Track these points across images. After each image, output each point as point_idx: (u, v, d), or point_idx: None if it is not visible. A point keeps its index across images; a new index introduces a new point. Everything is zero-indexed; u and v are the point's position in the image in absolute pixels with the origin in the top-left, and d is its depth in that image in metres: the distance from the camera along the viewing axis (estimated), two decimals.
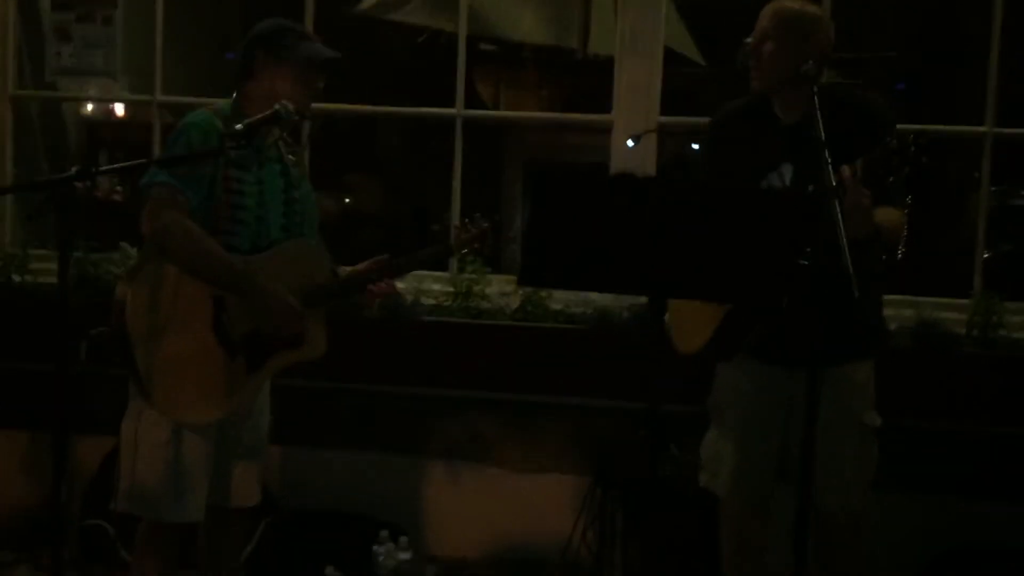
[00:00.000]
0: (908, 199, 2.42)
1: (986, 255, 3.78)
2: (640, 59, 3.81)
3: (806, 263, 1.78)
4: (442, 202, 4.07)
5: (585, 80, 5.10)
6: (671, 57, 5.20)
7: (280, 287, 2.48)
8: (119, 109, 5.55)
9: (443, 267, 3.85)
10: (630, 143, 3.47)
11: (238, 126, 2.29)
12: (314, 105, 3.87)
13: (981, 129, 3.73)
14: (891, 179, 2.15)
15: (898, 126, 3.49)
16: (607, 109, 3.88)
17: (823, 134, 2.17)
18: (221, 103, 2.58)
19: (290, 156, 2.64)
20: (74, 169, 2.03)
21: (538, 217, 1.72)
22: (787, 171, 2.56)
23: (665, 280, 1.75)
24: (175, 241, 2.38)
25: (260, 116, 2.36)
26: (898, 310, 3.56)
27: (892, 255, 2.47)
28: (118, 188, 5.61)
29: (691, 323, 2.58)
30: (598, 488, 3.35)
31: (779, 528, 2.55)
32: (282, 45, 2.52)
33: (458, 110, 3.92)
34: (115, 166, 2.27)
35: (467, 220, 2.84)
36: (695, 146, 2.65)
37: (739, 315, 2.42)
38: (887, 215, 2.39)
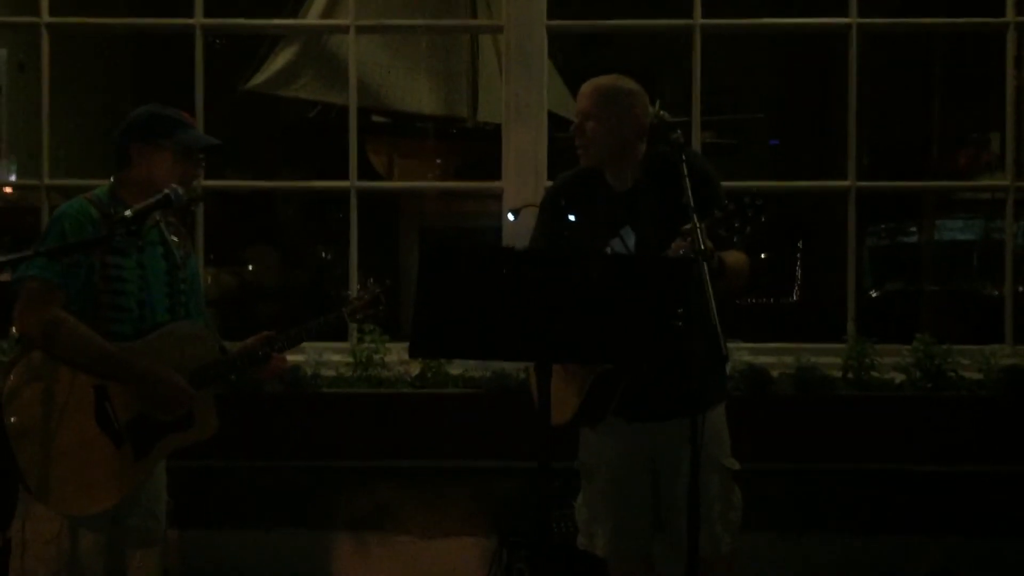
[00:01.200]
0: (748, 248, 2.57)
1: (874, 294, 4.03)
2: (526, 128, 3.96)
3: (680, 323, 1.90)
4: (341, 270, 4.12)
5: (477, 147, 5.25)
6: (558, 122, 5.42)
7: (163, 367, 2.47)
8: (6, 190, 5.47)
9: (343, 337, 3.89)
10: (510, 217, 3.59)
11: (127, 212, 2.30)
12: (207, 182, 3.92)
13: (845, 184, 3.99)
14: (735, 239, 2.30)
15: (769, 182, 3.73)
16: (499, 175, 4.00)
17: (691, 199, 2.30)
18: (97, 190, 2.57)
19: (173, 238, 2.64)
20: None
21: (424, 292, 1.80)
22: (628, 236, 2.68)
23: (548, 346, 1.85)
24: (51, 336, 2.35)
25: (151, 201, 2.37)
26: (779, 357, 3.78)
27: (737, 293, 2.61)
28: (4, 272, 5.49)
29: (558, 396, 2.66)
30: (503, 549, 3.40)
31: None
32: (158, 133, 2.53)
33: (352, 182, 3.99)
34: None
35: (359, 287, 2.87)
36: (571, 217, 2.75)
37: (604, 384, 2.53)
38: (734, 256, 2.53)
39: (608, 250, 2.69)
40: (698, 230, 2.10)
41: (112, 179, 2.59)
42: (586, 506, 2.86)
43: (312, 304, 6.24)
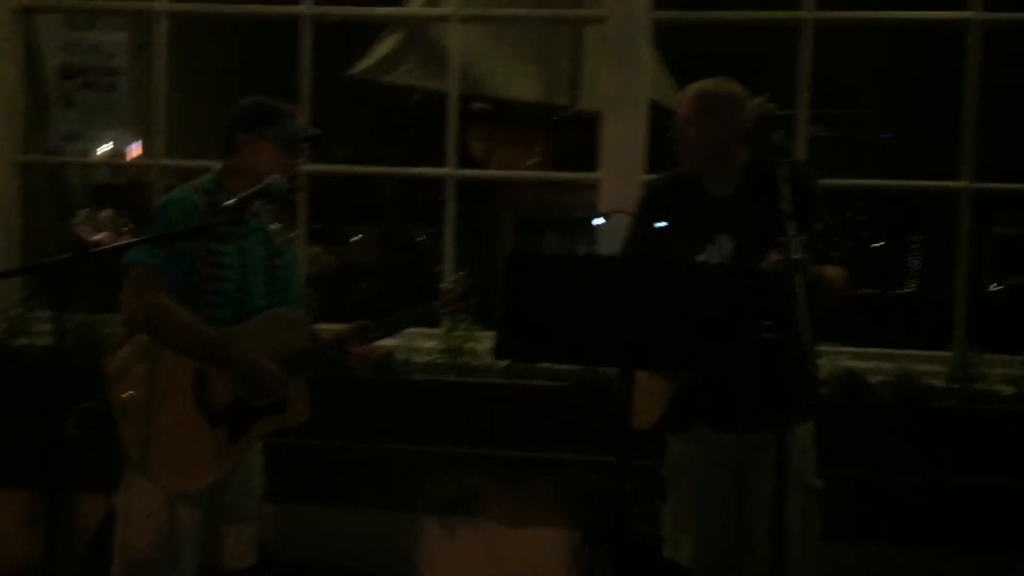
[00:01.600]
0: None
1: (995, 287, 3.80)
2: (625, 121, 3.92)
3: (770, 336, 1.86)
4: (439, 252, 4.16)
5: (578, 136, 5.22)
6: (663, 113, 5.33)
7: (259, 355, 2.55)
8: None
9: (435, 324, 3.94)
10: (599, 221, 3.57)
11: (229, 201, 2.39)
12: (311, 167, 4.02)
13: (959, 184, 3.83)
14: (835, 254, 2.23)
15: (879, 180, 3.60)
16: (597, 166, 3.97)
17: (788, 205, 2.25)
18: (203, 178, 2.67)
19: (273, 226, 2.72)
20: (67, 254, 2.13)
21: (510, 295, 1.82)
22: (725, 243, 2.64)
23: (630, 353, 1.84)
24: (155, 321, 2.46)
25: (251, 191, 2.46)
26: (879, 363, 3.67)
27: (830, 309, 2.54)
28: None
29: (642, 400, 2.65)
30: (586, 544, 3.41)
31: None
32: (262, 123, 2.62)
33: (449, 169, 4.03)
34: (106, 246, 2.36)
35: (452, 280, 2.91)
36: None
37: (689, 389, 2.50)
38: (832, 271, 2.46)
39: (703, 257, 2.65)
40: (793, 240, 2.05)
41: (219, 168, 2.68)
42: (672, 514, 2.84)
43: (409, 285, 6.33)
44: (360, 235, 6.91)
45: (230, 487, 2.66)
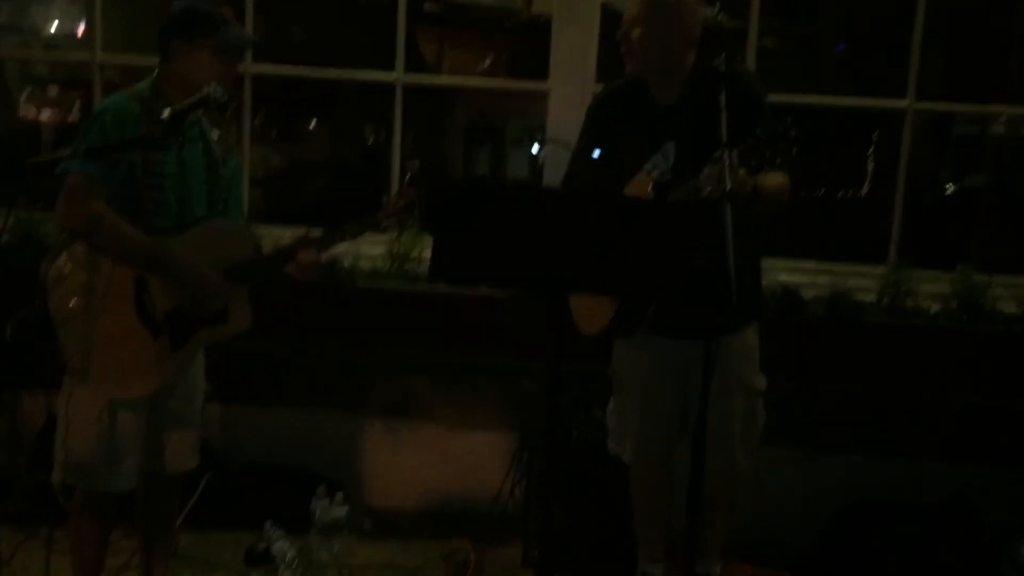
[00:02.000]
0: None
1: (950, 189, 3.82)
2: (576, 28, 3.88)
3: (696, 268, 1.92)
4: (387, 154, 4.11)
5: (531, 41, 5.15)
6: (616, 18, 5.25)
7: (199, 265, 2.55)
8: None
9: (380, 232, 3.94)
10: (536, 150, 3.56)
11: (165, 114, 2.35)
12: (257, 68, 3.94)
13: (903, 103, 3.87)
14: (764, 168, 2.27)
15: (824, 97, 3.61)
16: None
17: (725, 134, 2.25)
18: (140, 84, 2.60)
19: (213, 133, 2.68)
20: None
21: (443, 222, 1.84)
22: (670, 150, 2.67)
23: (563, 281, 1.89)
24: (92, 230, 2.43)
25: (188, 102, 2.40)
26: (814, 277, 3.77)
27: (773, 216, 2.61)
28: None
29: (589, 308, 2.72)
30: (524, 450, 3.52)
31: (679, 486, 2.75)
32: (198, 31, 2.55)
33: (397, 75, 3.98)
34: (42, 158, 2.32)
35: (396, 191, 2.86)
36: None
37: (634, 300, 2.56)
38: (771, 179, 2.51)
39: (649, 166, 2.68)
40: (727, 168, 2.08)
41: (154, 74, 2.62)
42: (616, 413, 2.97)
43: (359, 185, 6.28)
44: (307, 133, 6.79)
45: (172, 394, 2.69)
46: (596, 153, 2.69)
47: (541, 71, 4.01)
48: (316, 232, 2.75)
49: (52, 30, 4.14)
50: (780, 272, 3.75)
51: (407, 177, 2.85)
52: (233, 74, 2.64)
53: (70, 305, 2.45)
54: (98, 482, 2.57)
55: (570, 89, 3.87)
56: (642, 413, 2.87)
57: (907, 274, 3.69)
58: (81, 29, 4.36)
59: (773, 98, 3.71)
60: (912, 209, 4.01)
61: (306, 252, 2.69)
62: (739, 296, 2.55)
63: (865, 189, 6.51)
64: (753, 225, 2.65)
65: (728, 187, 2.06)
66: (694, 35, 2.70)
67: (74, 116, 5.66)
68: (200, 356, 2.79)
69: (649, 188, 2.59)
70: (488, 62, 5.86)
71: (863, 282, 3.76)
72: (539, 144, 3.59)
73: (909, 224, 3.90)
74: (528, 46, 5.32)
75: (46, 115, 5.61)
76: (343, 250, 3.79)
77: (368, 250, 3.86)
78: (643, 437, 2.88)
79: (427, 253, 3.79)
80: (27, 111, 5.49)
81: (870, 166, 6.40)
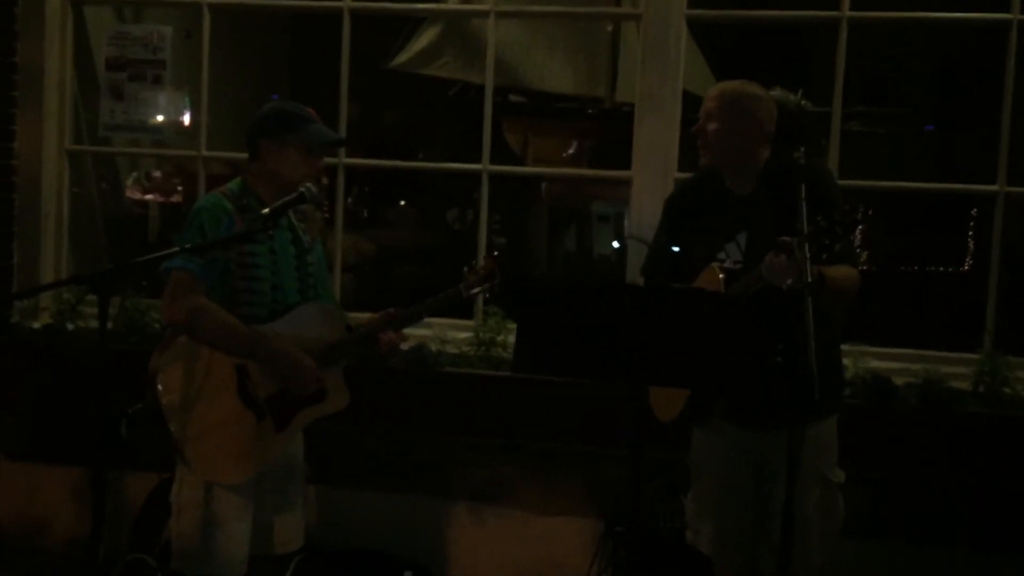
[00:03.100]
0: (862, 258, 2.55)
1: None
2: (657, 119, 3.93)
3: (778, 360, 1.93)
4: (475, 239, 4.21)
5: (615, 128, 5.26)
6: (697, 103, 5.32)
7: (296, 349, 2.64)
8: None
9: (467, 315, 4.04)
10: (616, 245, 3.63)
11: (265, 210, 2.49)
12: (349, 160, 4.12)
13: (992, 188, 3.82)
14: (823, 256, 2.27)
15: (911, 183, 3.56)
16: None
17: (804, 225, 2.28)
18: (230, 184, 2.76)
19: (300, 224, 2.81)
20: (110, 267, 2.25)
21: (523, 316, 1.90)
22: (743, 240, 2.71)
23: (641, 372, 1.92)
24: (196, 323, 2.56)
25: (287, 200, 2.56)
26: (906, 364, 3.69)
27: (844, 307, 2.59)
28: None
29: (665, 395, 2.73)
30: (608, 537, 3.49)
31: None
32: (285, 130, 2.70)
33: (484, 165, 4.09)
34: (148, 257, 2.45)
35: (474, 263, 2.96)
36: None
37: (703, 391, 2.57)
38: (838, 270, 2.52)
39: (723, 254, 2.73)
40: (807, 261, 2.10)
41: (244, 173, 2.77)
42: (694, 502, 2.94)
43: (446, 269, 6.42)
44: (397, 220, 7.00)
45: (276, 476, 2.77)
46: (675, 249, 2.73)
47: (625, 157, 4.09)
48: (398, 310, 2.83)
49: (159, 120, 4.42)
50: (870, 359, 3.68)
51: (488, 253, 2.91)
52: (319, 169, 2.76)
53: (172, 398, 2.55)
54: (206, 568, 2.62)
55: (652, 177, 3.93)
56: (718, 502, 2.84)
57: (1003, 362, 3.59)
58: (187, 119, 4.63)
59: (856, 183, 3.76)
60: (1008, 293, 3.91)
61: (391, 329, 2.78)
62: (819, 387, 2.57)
63: (964, 267, 6.35)
64: (828, 315, 2.64)
65: (809, 279, 2.06)
66: (768, 129, 2.76)
67: (177, 198, 6.03)
68: (300, 438, 2.87)
69: (720, 277, 2.62)
70: (572, 149, 5.98)
71: (957, 369, 3.67)
72: (620, 242, 3.65)
73: (1004, 309, 3.80)
74: (611, 133, 5.44)
75: (150, 198, 6.03)
76: (431, 335, 3.89)
77: (454, 335, 3.94)
78: (720, 526, 2.84)
79: (511, 338, 3.90)
80: (132, 193, 5.90)
81: (969, 246, 6.26)
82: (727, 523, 2.83)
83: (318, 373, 2.68)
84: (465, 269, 2.91)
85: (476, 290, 2.89)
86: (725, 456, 2.81)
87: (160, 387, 2.55)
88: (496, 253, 2.98)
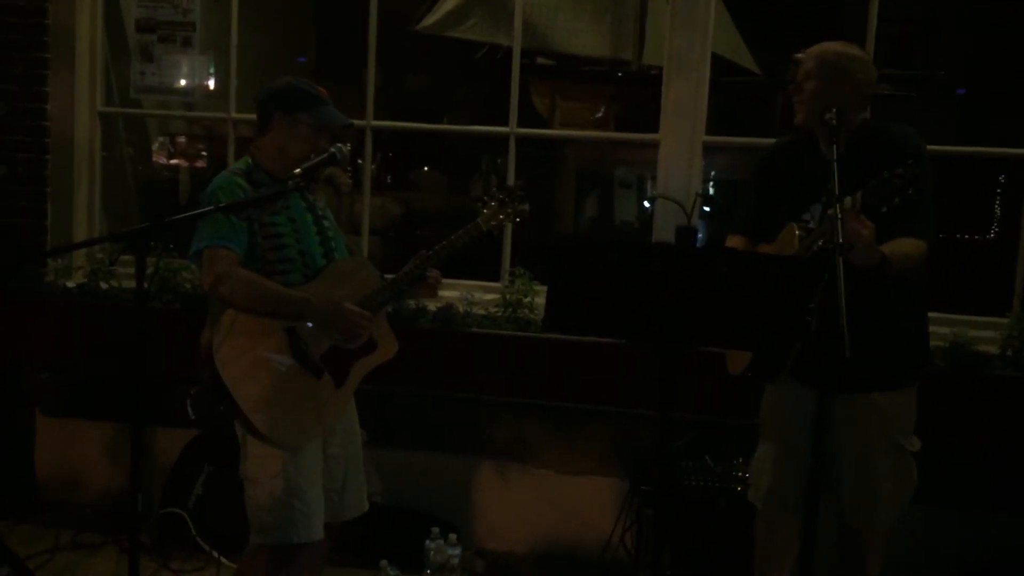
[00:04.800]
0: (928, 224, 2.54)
1: None
2: (686, 81, 3.92)
3: (808, 320, 1.94)
4: None
5: (642, 91, 5.22)
6: (724, 66, 5.29)
7: (340, 301, 2.67)
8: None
9: (494, 277, 4.07)
10: (648, 205, 3.61)
11: (296, 170, 2.52)
12: (374, 122, 4.13)
13: (1021, 151, 3.78)
14: (883, 209, 2.28)
15: (944, 146, 3.55)
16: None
17: (836, 185, 2.29)
18: (237, 163, 2.78)
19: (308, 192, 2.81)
20: (146, 223, 2.27)
21: (556, 276, 1.92)
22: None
23: (673, 333, 1.93)
24: (236, 290, 2.58)
25: (318, 160, 2.59)
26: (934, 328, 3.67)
27: (908, 277, 2.59)
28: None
29: None
30: (634, 495, 3.53)
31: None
32: (299, 107, 2.71)
33: (511, 128, 4.10)
34: (183, 215, 2.45)
35: (486, 197, 2.94)
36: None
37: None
38: (900, 245, 2.52)
39: (807, 216, 2.74)
40: (838, 222, 2.10)
41: (250, 150, 2.78)
42: (757, 459, 2.97)
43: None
44: (424, 182, 6.99)
45: (335, 440, 2.80)
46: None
47: (652, 121, 4.08)
48: (427, 251, 2.85)
49: (184, 84, 4.43)
50: None
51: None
52: (323, 150, 2.71)
53: (238, 371, 2.56)
54: (292, 536, 2.63)
55: (680, 140, 3.92)
56: (777, 458, 2.86)
57: None
58: (212, 83, 4.65)
59: None
60: None
61: (425, 268, 2.80)
62: (893, 355, 2.59)
63: (991, 234, 6.29)
64: (908, 287, 2.66)
65: (839, 239, 2.07)
66: (865, 91, 2.74)
67: (202, 163, 6.09)
68: (354, 405, 2.89)
69: (796, 235, 2.63)
70: (599, 113, 5.95)
71: (985, 333, 3.66)
72: (651, 202, 3.65)
73: None
74: (639, 96, 5.40)
75: (175, 162, 6.10)
76: (458, 294, 3.93)
77: (481, 296, 3.97)
78: (777, 482, 2.86)
79: (539, 299, 3.93)
80: (158, 158, 5.96)
81: (997, 211, 6.21)
82: (785, 477, 2.84)
83: (367, 318, 2.70)
84: (478, 203, 2.92)
85: (494, 222, 2.89)
86: (789, 415, 2.82)
87: (219, 363, 2.54)
88: (499, 183, 2.92)
